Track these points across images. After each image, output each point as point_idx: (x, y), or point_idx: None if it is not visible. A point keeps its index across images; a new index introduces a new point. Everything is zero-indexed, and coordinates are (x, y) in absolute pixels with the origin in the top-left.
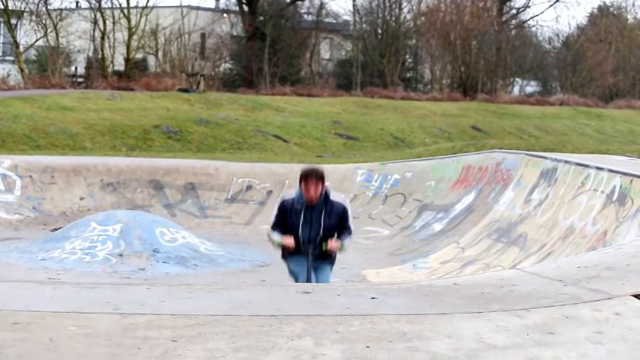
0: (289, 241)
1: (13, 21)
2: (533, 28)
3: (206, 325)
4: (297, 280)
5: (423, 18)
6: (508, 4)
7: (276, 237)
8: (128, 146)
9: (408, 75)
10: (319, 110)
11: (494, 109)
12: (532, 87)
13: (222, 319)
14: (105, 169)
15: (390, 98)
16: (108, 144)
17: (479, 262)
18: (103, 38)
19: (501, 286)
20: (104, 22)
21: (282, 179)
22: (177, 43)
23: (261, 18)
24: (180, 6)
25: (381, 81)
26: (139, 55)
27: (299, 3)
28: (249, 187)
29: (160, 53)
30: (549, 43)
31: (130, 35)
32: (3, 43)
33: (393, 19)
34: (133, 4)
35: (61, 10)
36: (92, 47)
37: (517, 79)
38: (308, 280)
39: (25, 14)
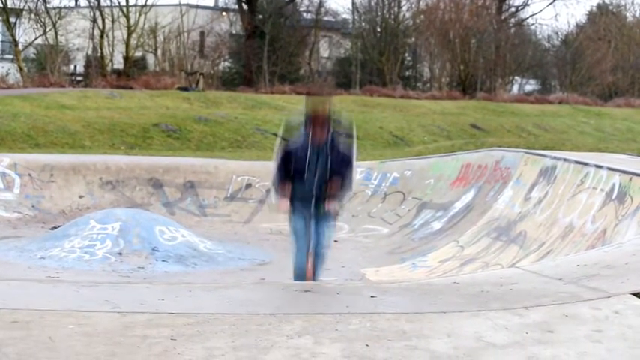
0: (284, 206)
1: (12, 19)
2: (533, 27)
3: (205, 323)
4: (297, 242)
5: (422, 16)
6: (507, 2)
7: (274, 199)
8: (127, 145)
9: (407, 73)
10: None
11: (493, 107)
12: (531, 85)
13: (221, 318)
14: (104, 167)
15: (390, 96)
16: (107, 142)
17: (478, 261)
18: (102, 37)
19: (501, 284)
20: (103, 21)
21: None
22: (176, 41)
23: (260, 16)
24: (180, 4)
25: (380, 79)
26: (138, 54)
27: (298, 1)
28: (248, 186)
29: (159, 52)
30: (548, 42)
31: (129, 34)
32: (2, 41)
33: (392, 17)
34: (132, 2)
35: (60, 8)
36: (91, 46)
37: (516, 77)
38: (308, 242)
39: (24, 12)
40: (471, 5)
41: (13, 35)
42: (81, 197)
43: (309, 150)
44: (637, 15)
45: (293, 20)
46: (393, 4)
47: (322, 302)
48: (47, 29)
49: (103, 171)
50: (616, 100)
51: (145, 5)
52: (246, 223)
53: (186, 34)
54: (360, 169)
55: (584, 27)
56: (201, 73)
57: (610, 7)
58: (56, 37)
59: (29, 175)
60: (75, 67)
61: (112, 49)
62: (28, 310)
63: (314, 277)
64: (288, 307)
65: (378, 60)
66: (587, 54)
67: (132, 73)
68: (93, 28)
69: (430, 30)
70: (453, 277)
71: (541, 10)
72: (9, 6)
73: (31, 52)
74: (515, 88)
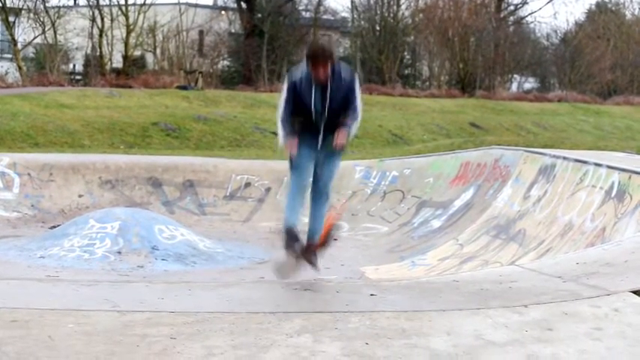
0: (293, 149)
1: (11, 18)
2: (532, 25)
3: (205, 322)
4: (296, 180)
5: (421, 15)
6: (506, 0)
7: (282, 138)
8: (126, 144)
9: (406, 72)
10: None
11: (492, 105)
12: (530, 83)
13: (221, 317)
14: (103, 166)
15: (389, 95)
16: (106, 141)
17: (477, 259)
18: (101, 36)
19: (500, 282)
20: (102, 20)
21: (280, 176)
22: (175, 40)
23: (259, 15)
24: (179, 3)
25: (380, 78)
26: (137, 53)
27: (297, 0)
28: (247, 185)
29: (158, 51)
30: (547, 40)
31: (128, 32)
32: (1, 40)
33: (391, 15)
34: (131, 1)
35: (59, 7)
36: (90, 45)
37: (515, 75)
38: (305, 184)
39: (23, 12)
40: (470, 3)
41: (12, 34)
42: (80, 196)
43: (313, 86)
44: (636, 13)
45: (292, 19)
46: (392, 3)
47: (322, 301)
48: (46, 28)
49: (103, 170)
50: (615, 98)
51: (144, 4)
52: (245, 222)
53: (185, 33)
54: (359, 168)
55: (583, 25)
56: (201, 72)
57: (609, 5)
58: (55, 36)
59: (28, 174)
60: (74, 66)
61: (111, 48)
62: (27, 309)
63: (318, 226)
64: (288, 305)
65: (377, 58)
66: (586, 52)
67: (131, 72)
68: (92, 27)
69: (429, 28)
70: (453, 275)
71: (540, 9)
72: (8, 5)
73: (30, 52)
74: (514, 87)
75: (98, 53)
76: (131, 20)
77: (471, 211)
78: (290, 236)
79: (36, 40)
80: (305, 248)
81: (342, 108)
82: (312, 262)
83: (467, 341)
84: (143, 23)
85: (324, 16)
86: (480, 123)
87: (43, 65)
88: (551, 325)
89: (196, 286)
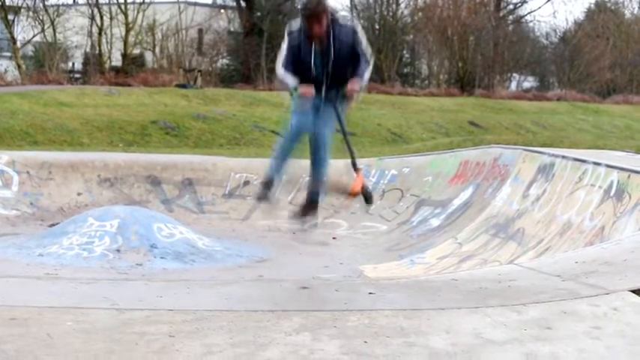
0: (308, 89)
1: (11, 17)
2: (531, 24)
3: (204, 320)
4: (294, 134)
5: (420, 13)
6: None
7: (291, 80)
8: (125, 142)
9: (405, 70)
10: None
11: (491, 104)
12: (529, 82)
13: (219, 315)
14: (102, 164)
15: (388, 94)
16: (105, 140)
17: (476, 258)
18: (100, 34)
19: (499, 281)
20: (101, 18)
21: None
22: (174, 38)
23: (259, 13)
24: (178, 2)
25: (379, 76)
26: (137, 51)
27: None
28: (246, 183)
29: (158, 49)
30: (547, 39)
31: (128, 31)
32: (0, 39)
33: (391, 14)
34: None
35: (58, 5)
36: (89, 43)
37: (514, 74)
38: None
39: (22, 10)
40: (469, 2)
41: (11, 33)
42: (79, 194)
43: (312, 44)
44: (635, 12)
45: (291, 17)
46: (391, 2)
47: (320, 299)
48: (45, 27)
49: (101, 168)
50: (614, 97)
51: (143, 2)
52: (244, 220)
53: (184, 32)
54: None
55: (583, 24)
56: (200, 71)
57: (608, 5)
58: (54, 34)
59: (27, 172)
60: (73, 64)
61: (110, 47)
62: (26, 307)
63: (319, 184)
64: (287, 303)
65: (377, 57)
66: (585, 51)
67: (130, 70)
68: (91, 26)
69: (428, 27)
70: (452, 273)
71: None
72: (7, 3)
73: (29, 50)
74: (513, 86)
75: (97, 51)
76: (130, 18)
77: (469, 210)
78: (267, 186)
79: (35, 39)
80: (308, 198)
81: (347, 64)
82: (308, 215)
83: (466, 340)
84: (142, 21)
85: None
86: (479, 122)
87: (42, 63)
88: (550, 324)
89: (195, 285)
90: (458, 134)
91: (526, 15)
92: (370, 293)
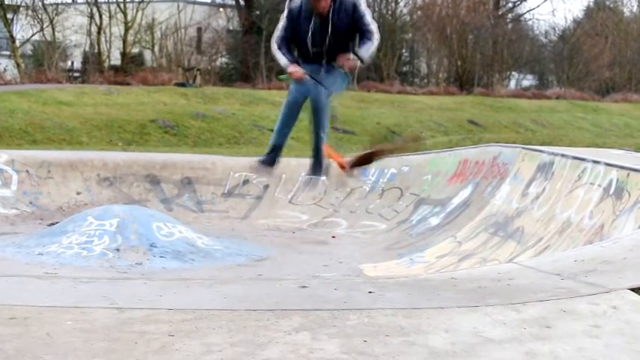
0: (298, 73)
1: (9, 16)
2: (530, 22)
3: (203, 319)
4: (294, 98)
5: (419, 12)
6: None
7: (284, 60)
8: (125, 141)
9: (404, 69)
10: None
11: (490, 102)
12: (528, 81)
13: (219, 314)
14: (101, 163)
15: (387, 92)
16: (104, 138)
17: (476, 257)
18: (99, 33)
19: (498, 280)
20: (100, 17)
21: (278, 173)
22: (173, 37)
23: (258, 12)
24: (177, 0)
25: (378, 75)
26: (136, 50)
27: None
28: (245, 182)
29: (157, 48)
30: (546, 37)
31: (127, 30)
32: None
33: (390, 13)
34: None
35: (57, 4)
36: (88, 42)
37: (513, 72)
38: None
39: (21, 9)
40: (468, 1)
41: (10, 31)
42: (78, 193)
43: (312, 17)
44: (634, 10)
45: None
46: (390, 0)
47: (320, 298)
48: (44, 25)
49: (101, 167)
50: (613, 96)
51: (142, 1)
52: (243, 219)
53: (183, 30)
54: None
55: (582, 22)
56: (199, 69)
57: (607, 3)
58: (53, 33)
59: (26, 171)
60: (72, 63)
61: (109, 46)
62: (25, 306)
63: (321, 164)
64: (286, 303)
65: (376, 56)
66: (584, 49)
67: (129, 69)
68: (90, 25)
69: (427, 26)
70: (451, 272)
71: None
72: (6, 2)
73: (28, 49)
74: (512, 84)
75: (96, 50)
76: (129, 17)
77: (469, 209)
78: (271, 151)
79: (34, 38)
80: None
81: (346, 37)
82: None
83: (465, 339)
84: (141, 20)
85: None
86: (478, 120)
87: (41, 62)
88: (549, 323)
89: (194, 284)
90: (457, 133)
91: (525, 13)
92: (369, 292)
